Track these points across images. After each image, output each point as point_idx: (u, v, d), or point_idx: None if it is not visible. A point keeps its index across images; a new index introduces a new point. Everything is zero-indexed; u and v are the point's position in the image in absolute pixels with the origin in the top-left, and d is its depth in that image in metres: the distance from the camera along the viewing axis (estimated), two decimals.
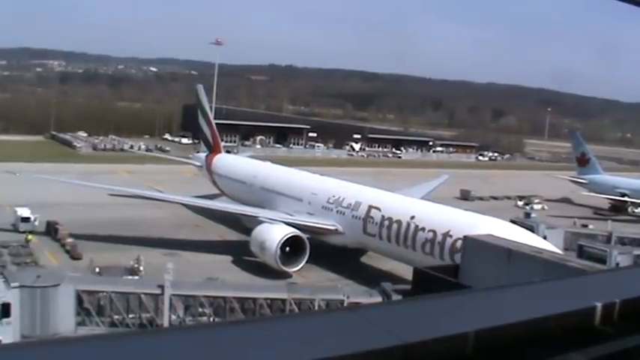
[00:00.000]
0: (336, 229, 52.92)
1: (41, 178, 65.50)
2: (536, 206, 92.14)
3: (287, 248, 48.88)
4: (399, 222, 46.85)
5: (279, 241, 48.23)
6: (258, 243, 50.10)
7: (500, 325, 4.01)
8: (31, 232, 55.07)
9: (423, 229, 44.45)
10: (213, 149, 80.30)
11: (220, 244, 57.90)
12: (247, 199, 64.22)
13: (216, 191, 75.38)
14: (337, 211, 53.51)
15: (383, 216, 48.63)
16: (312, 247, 50.00)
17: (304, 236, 50.10)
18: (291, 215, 54.90)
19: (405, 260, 44.68)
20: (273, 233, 49.57)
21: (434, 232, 43.29)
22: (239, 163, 77.82)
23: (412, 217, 45.97)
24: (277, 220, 52.79)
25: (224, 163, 76.33)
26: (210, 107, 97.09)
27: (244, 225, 57.30)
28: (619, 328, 4.58)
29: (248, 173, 68.58)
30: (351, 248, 53.67)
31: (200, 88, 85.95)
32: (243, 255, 52.23)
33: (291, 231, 49.79)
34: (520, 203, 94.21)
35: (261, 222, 52.38)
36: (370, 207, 50.37)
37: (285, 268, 48.29)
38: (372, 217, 49.66)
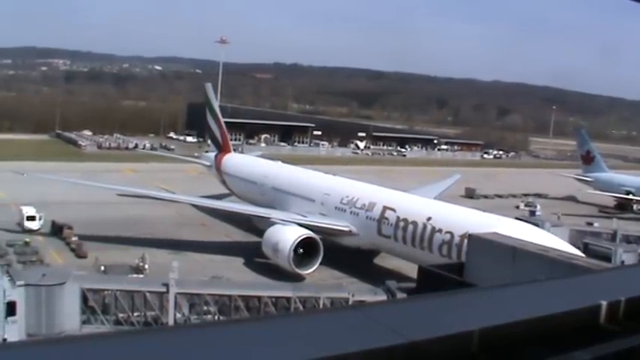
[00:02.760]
0: (350, 231, 51.87)
1: (48, 178, 65.13)
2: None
3: (300, 250, 47.85)
4: (414, 223, 45.87)
5: (293, 243, 47.22)
6: (270, 244, 49.09)
7: (505, 324, 4.01)
8: (36, 231, 55.36)
9: (440, 230, 43.49)
10: (222, 149, 79.16)
11: (228, 244, 57.28)
12: (258, 200, 63.45)
13: (224, 190, 75.11)
14: (351, 212, 52.42)
15: (398, 217, 47.60)
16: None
17: (318, 238, 49.01)
18: (303, 216, 53.83)
19: (422, 263, 43.90)
20: (286, 235, 48.59)
21: (451, 233, 42.29)
22: (249, 162, 76.23)
23: (429, 219, 44.97)
24: (290, 221, 51.80)
25: (234, 162, 75.30)
26: None
27: (255, 225, 56.71)
28: (624, 327, 4.57)
29: (259, 173, 67.46)
30: (364, 249, 52.75)
31: (209, 86, 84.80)
32: (252, 256, 51.66)
33: (305, 232, 48.74)
34: (522, 205, 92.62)
35: (273, 223, 51.45)
36: (385, 208, 49.35)
37: (298, 271, 47.26)
38: (386, 219, 48.62)
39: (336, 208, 54.19)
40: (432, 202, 53.39)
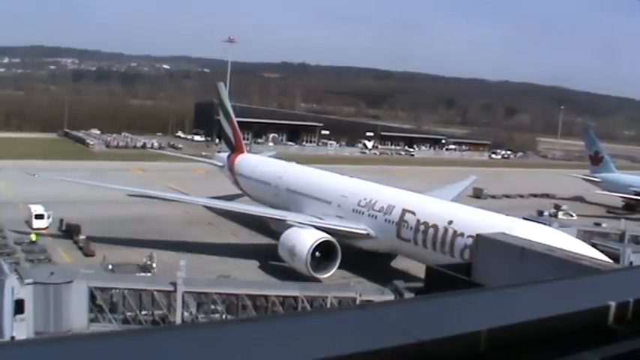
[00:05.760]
0: (368, 234, 50.75)
1: (59, 179, 64.62)
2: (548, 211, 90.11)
3: (317, 253, 46.77)
4: (435, 227, 44.76)
5: (311, 247, 46.20)
6: (287, 248, 47.96)
7: (513, 324, 3.99)
8: (44, 229, 55.51)
9: (462, 234, 42.34)
10: (235, 149, 77.75)
11: (241, 246, 56.57)
12: (272, 201, 62.37)
13: (234, 189, 74.62)
14: (369, 215, 51.20)
15: (418, 220, 46.45)
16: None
17: (335, 241, 47.90)
18: (319, 218, 52.66)
19: None
20: (303, 238, 47.59)
21: (473, 237, 41.16)
22: (263, 163, 74.76)
23: (450, 222, 43.92)
24: (307, 223, 50.74)
25: (247, 163, 73.92)
26: None
27: (267, 226, 56.16)
28: (633, 328, 4.55)
29: (273, 174, 66.09)
30: (382, 253, 51.80)
31: (221, 85, 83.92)
32: (264, 258, 51.21)
33: (323, 236, 47.70)
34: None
35: (289, 226, 50.35)
36: (404, 211, 48.19)
37: (315, 275, 46.02)
38: (406, 222, 47.47)
39: (353, 210, 52.98)
40: (452, 204, 52.30)
